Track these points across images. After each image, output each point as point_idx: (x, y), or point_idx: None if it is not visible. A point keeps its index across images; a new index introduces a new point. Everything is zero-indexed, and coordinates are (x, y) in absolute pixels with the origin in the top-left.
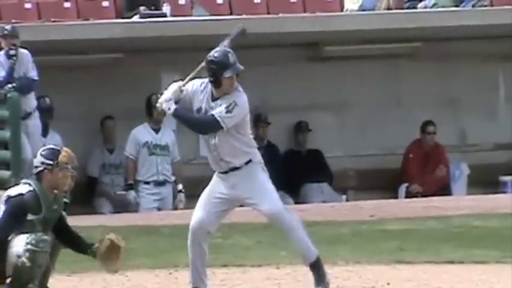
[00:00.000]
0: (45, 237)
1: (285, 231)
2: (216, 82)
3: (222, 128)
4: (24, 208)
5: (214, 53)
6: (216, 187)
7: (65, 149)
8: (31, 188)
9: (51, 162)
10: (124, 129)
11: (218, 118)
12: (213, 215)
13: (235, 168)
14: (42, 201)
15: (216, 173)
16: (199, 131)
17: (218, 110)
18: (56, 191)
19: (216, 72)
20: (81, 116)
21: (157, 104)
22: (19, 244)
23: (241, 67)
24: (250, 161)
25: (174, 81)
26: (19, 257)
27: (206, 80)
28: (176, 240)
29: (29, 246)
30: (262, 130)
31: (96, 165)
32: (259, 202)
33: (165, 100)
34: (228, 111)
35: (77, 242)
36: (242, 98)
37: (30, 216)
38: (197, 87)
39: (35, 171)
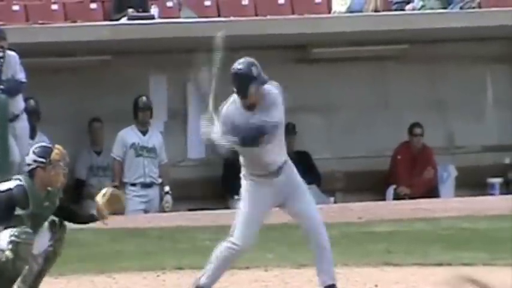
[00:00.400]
0: (29, 229)
1: (318, 246)
2: (243, 94)
3: (277, 128)
4: (12, 201)
5: (238, 66)
6: (262, 198)
7: (57, 146)
8: (20, 183)
9: (43, 160)
10: (111, 131)
11: (274, 122)
12: (260, 225)
13: (280, 168)
14: (31, 197)
15: (254, 181)
16: (265, 141)
17: (269, 116)
18: (49, 188)
19: (241, 86)
20: (69, 118)
21: (205, 139)
22: (3, 239)
23: (266, 77)
24: (286, 161)
25: (204, 117)
26: (2, 251)
27: (231, 98)
28: (164, 242)
29: (12, 238)
30: None
31: (84, 168)
32: (304, 208)
33: (214, 135)
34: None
35: (85, 217)
36: (275, 94)
37: (18, 211)
38: (230, 110)
39: (27, 168)
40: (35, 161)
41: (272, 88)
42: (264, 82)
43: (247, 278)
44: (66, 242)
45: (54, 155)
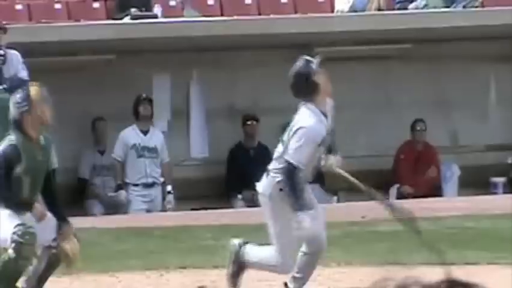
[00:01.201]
0: (32, 230)
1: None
2: (315, 89)
3: None
4: (7, 160)
5: (294, 67)
6: (288, 219)
7: (31, 85)
8: (9, 142)
9: (26, 104)
10: (115, 131)
11: None
12: None
13: None
14: (22, 151)
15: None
16: None
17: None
18: (41, 134)
19: (308, 78)
20: (72, 118)
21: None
22: (5, 229)
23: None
24: None
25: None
26: (5, 249)
27: (307, 112)
28: (167, 241)
29: (15, 238)
30: (250, 127)
31: (87, 167)
32: None
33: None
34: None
35: (53, 207)
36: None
37: (16, 170)
38: (316, 124)
39: (16, 123)
40: (19, 110)
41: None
42: (320, 59)
43: (252, 277)
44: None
45: (33, 94)
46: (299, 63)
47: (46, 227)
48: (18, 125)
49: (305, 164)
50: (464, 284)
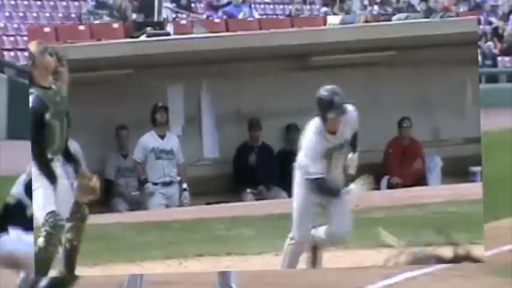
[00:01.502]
0: (62, 222)
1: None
2: (323, 120)
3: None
4: (37, 111)
5: (322, 92)
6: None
7: (31, 42)
8: (32, 95)
9: (30, 60)
10: (136, 136)
11: None
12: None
13: None
14: (45, 98)
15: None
16: None
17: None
18: (51, 82)
19: (322, 111)
20: (98, 126)
21: None
22: (38, 212)
23: (345, 108)
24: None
25: None
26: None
27: (313, 124)
28: (184, 233)
29: (46, 227)
30: (254, 134)
31: (112, 169)
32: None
33: None
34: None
35: (69, 156)
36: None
37: (46, 117)
38: (314, 138)
39: (29, 78)
40: (28, 67)
41: (351, 109)
42: (344, 112)
43: (260, 263)
44: (83, 233)
45: (33, 49)
46: (325, 91)
47: (64, 199)
48: (31, 79)
49: (316, 160)
50: (469, 257)
